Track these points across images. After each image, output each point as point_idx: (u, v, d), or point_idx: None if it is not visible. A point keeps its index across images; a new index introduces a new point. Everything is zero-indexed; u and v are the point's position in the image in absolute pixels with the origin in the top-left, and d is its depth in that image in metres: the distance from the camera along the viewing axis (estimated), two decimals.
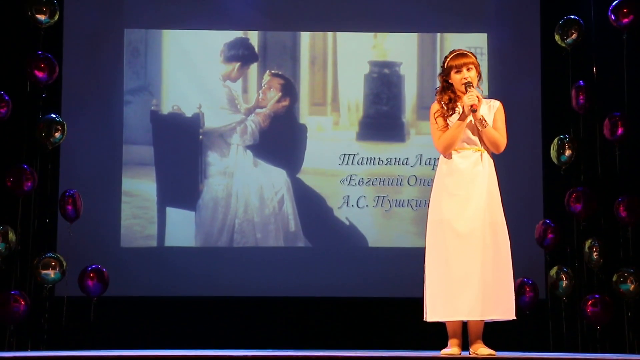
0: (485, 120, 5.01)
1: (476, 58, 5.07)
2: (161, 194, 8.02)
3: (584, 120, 7.50)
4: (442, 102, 5.09)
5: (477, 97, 4.95)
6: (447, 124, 5.05)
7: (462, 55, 5.05)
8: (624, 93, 7.29)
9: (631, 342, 7.12)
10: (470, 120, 5.01)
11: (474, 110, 4.94)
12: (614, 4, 7.26)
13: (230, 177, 8.08)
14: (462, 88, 5.01)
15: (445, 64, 5.08)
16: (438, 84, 5.15)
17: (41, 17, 7.29)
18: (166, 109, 8.10)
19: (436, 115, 5.09)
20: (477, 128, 5.03)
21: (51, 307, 7.28)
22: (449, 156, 5.06)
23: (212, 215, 8.03)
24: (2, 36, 7.64)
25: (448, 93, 5.08)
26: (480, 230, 4.93)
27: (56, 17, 7.36)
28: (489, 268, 4.90)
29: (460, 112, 5.01)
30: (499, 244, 4.96)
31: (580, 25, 7.47)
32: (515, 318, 5.01)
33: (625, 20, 7.20)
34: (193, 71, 8.14)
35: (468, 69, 5.02)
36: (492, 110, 5.09)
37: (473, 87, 4.98)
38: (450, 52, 5.11)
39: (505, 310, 4.96)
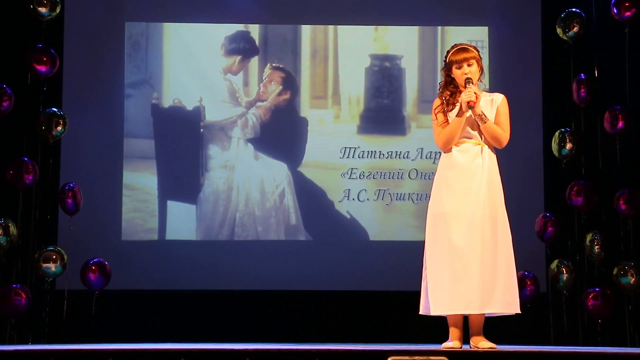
0: (485, 116, 5.00)
1: (478, 52, 5.07)
2: (162, 187, 8.02)
3: (585, 114, 7.50)
4: (443, 98, 5.09)
5: (475, 93, 4.95)
6: (447, 120, 5.06)
7: (463, 50, 5.04)
8: (625, 87, 7.28)
9: (632, 335, 7.13)
10: (470, 116, 5.01)
11: (471, 106, 4.94)
12: None
13: (231, 170, 8.08)
14: (463, 83, 5.01)
15: (447, 59, 5.09)
16: (441, 79, 5.17)
17: (42, 9, 7.28)
18: (167, 102, 8.10)
19: (436, 110, 5.10)
20: (477, 122, 5.03)
21: (52, 301, 7.28)
22: (449, 150, 5.06)
23: (213, 209, 8.03)
24: (3, 29, 7.63)
25: (450, 88, 5.09)
26: (479, 224, 4.93)
27: (57, 10, 7.35)
28: (489, 262, 4.90)
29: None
30: (499, 238, 4.96)
31: (582, 19, 7.46)
32: (519, 312, 5.01)
33: (628, 13, 7.19)
34: (194, 64, 8.14)
35: (469, 64, 5.01)
36: (494, 104, 5.08)
37: (473, 83, 4.98)
38: (452, 47, 5.11)
39: (506, 303, 4.95)
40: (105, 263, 7.34)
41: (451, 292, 4.90)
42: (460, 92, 5.04)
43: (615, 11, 7.24)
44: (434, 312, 4.98)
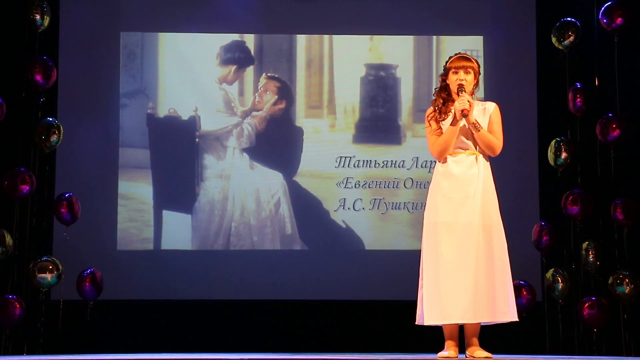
0: (478, 124, 5.01)
1: (479, 65, 5.08)
2: (157, 197, 8.01)
3: (581, 123, 7.51)
4: (436, 105, 5.11)
5: (468, 101, 4.96)
6: (440, 127, 5.07)
7: (464, 58, 5.07)
8: (619, 95, 7.30)
9: (627, 344, 7.13)
10: (464, 125, 5.02)
11: (464, 115, 4.95)
12: (604, 7, 7.27)
13: (226, 180, 8.08)
14: (456, 90, 5.02)
15: (446, 65, 5.10)
16: (432, 84, 5.19)
17: (37, 17, 7.25)
18: (162, 112, 8.10)
19: (429, 118, 5.11)
20: (471, 131, 5.03)
21: (47, 311, 7.26)
22: (444, 160, 5.07)
23: (209, 218, 8.03)
24: None
25: (443, 94, 5.10)
26: (475, 232, 4.94)
27: (46, 22, 7.32)
28: (483, 271, 4.90)
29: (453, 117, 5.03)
30: (494, 247, 4.96)
31: (577, 28, 7.47)
32: (517, 320, 5.01)
33: (617, 22, 7.20)
34: (189, 74, 8.14)
35: (466, 72, 5.03)
36: (487, 113, 5.10)
37: (465, 91, 4.99)
38: (455, 54, 5.13)
39: (502, 312, 4.95)
40: (96, 273, 7.31)
41: (445, 302, 4.90)
42: (453, 99, 5.06)
43: (605, 21, 7.26)
44: (427, 322, 4.97)
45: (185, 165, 8.06)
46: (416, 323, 5.08)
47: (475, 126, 5.01)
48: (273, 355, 5.79)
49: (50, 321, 7.28)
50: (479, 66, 5.09)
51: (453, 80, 5.05)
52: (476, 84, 5.08)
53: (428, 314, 4.95)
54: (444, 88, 5.12)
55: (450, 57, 5.13)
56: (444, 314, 4.91)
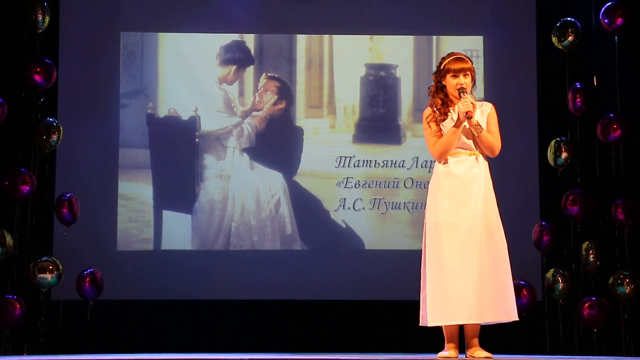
0: (480, 126, 5.00)
1: (472, 64, 5.07)
2: (157, 197, 8.01)
3: (581, 123, 7.51)
4: (435, 107, 5.09)
5: (472, 103, 4.95)
6: (440, 129, 5.05)
7: (461, 60, 5.03)
8: (616, 95, 7.30)
9: (628, 344, 7.13)
10: (465, 126, 5.01)
11: (469, 117, 4.94)
12: (604, 7, 7.27)
13: (226, 180, 8.07)
14: (456, 93, 5.01)
15: (442, 66, 5.07)
16: (431, 83, 5.16)
17: (39, 17, 7.26)
18: (162, 112, 8.10)
19: (429, 119, 5.09)
20: (471, 132, 5.02)
21: (47, 311, 7.26)
22: (444, 161, 5.05)
23: (209, 219, 8.02)
24: None
25: (440, 95, 5.08)
26: (477, 232, 4.93)
27: (46, 22, 7.32)
28: (486, 271, 4.90)
29: (454, 118, 5.01)
30: (496, 247, 4.96)
31: (577, 28, 7.48)
32: (517, 319, 5.01)
33: (617, 22, 7.20)
34: (189, 74, 8.14)
35: (465, 75, 5.01)
36: (484, 114, 5.08)
37: (467, 93, 4.98)
38: (449, 55, 5.10)
39: (504, 312, 4.95)
40: (96, 273, 7.31)
41: (450, 302, 4.88)
42: (452, 100, 5.05)
43: (605, 21, 7.26)
44: (431, 323, 4.95)
45: (185, 165, 8.06)
46: (420, 324, 5.07)
47: (477, 128, 5.00)
48: (273, 355, 5.79)
49: (50, 321, 7.28)
50: (472, 64, 5.08)
51: (452, 84, 5.03)
52: (473, 84, 5.08)
53: (432, 315, 4.93)
54: (441, 89, 5.10)
55: (444, 58, 5.11)
56: (449, 315, 4.90)
